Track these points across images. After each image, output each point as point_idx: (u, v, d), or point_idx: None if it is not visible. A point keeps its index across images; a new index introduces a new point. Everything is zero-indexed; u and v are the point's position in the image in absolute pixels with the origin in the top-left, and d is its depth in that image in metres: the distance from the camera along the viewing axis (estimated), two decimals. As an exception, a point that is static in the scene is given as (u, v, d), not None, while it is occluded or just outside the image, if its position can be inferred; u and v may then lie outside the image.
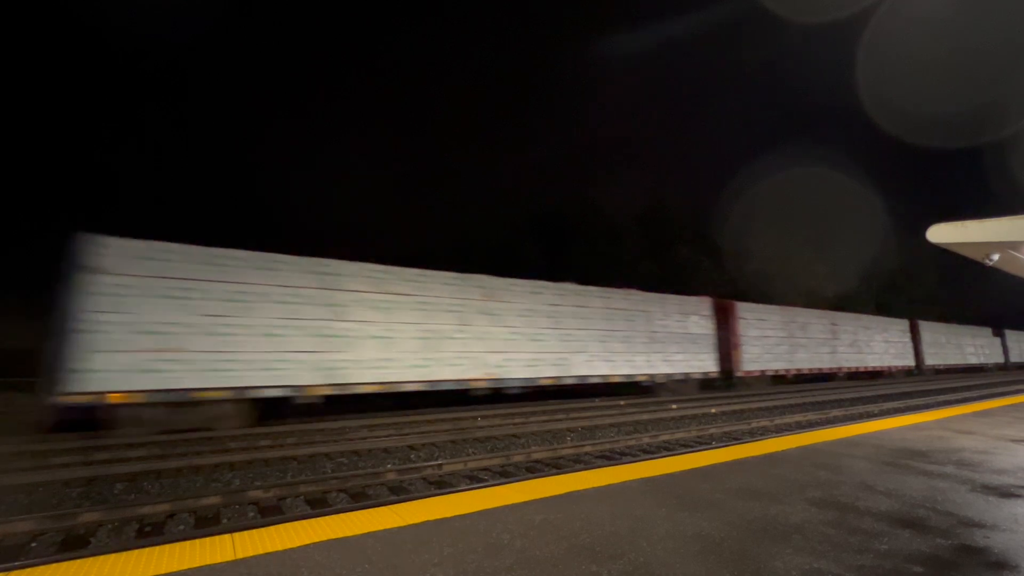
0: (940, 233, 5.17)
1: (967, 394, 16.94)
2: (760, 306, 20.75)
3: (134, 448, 7.92)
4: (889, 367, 26.72)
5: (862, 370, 25.00)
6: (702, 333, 17.88)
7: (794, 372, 21.20)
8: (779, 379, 21.26)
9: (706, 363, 17.72)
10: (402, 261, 12.16)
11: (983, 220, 4.90)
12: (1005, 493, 3.70)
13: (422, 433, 9.22)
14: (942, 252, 5.80)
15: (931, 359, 29.96)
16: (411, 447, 8.29)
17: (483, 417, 11.31)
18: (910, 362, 28.42)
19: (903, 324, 28.91)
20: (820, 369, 22.46)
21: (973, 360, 34.86)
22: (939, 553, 2.61)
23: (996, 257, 5.80)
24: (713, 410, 12.68)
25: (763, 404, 14.00)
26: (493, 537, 2.80)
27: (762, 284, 31.65)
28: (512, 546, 2.67)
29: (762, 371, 19.65)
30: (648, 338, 16.13)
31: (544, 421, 10.67)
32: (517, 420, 10.86)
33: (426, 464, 6.51)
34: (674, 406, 13.37)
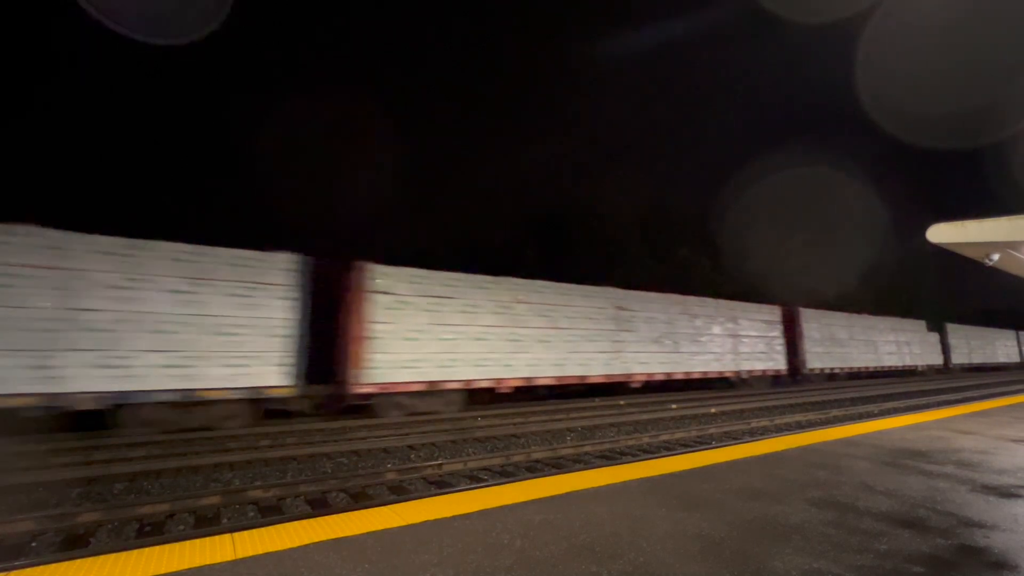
0: (940, 233, 5.18)
1: (966, 394, 16.94)
2: (434, 274, 12.00)
3: (134, 448, 7.92)
4: (737, 372, 18.32)
5: (680, 377, 16.50)
6: (257, 319, 9.76)
7: (517, 382, 12.66)
8: (484, 396, 12.87)
9: (259, 371, 9.67)
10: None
11: (983, 220, 4.91)
12: (1005, 493, 3.70)
13: (422, 433, 9.22)
14: (942, 252, 5.81)
15: (818, 360, 22.14)
16: (411, 447, 8.29)
17: (483, 417, 11.31)
18: (778, 364, 20.05)
19: (769, 312, 20.43)
20: (584, 377, 14.00)
21: (893, 362, 26.71)
22: (939, 553, 2.61)
23: (996, 257, 5.81)
24: (713, 410, 12.68)
25: (763, 404, 14.00)
26: (493, 537, 2.80)
27: (762, 284, 31.65)
28: (512, 546, 2.67)
29: (429, 383, 11.33)
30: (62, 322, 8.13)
31: (544, 421, 10.67)
32: (517, 420, 10.86)
33: (426, 464, 6.51)
34: (674, 406, 13.37)
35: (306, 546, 2.68)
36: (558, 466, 6.86)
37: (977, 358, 35.17)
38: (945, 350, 31.79)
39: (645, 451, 7.91)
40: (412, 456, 7.77)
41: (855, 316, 25.65)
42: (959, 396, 16.10)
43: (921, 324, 30.09)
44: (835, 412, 11.98)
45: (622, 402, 14.36)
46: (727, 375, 18.20)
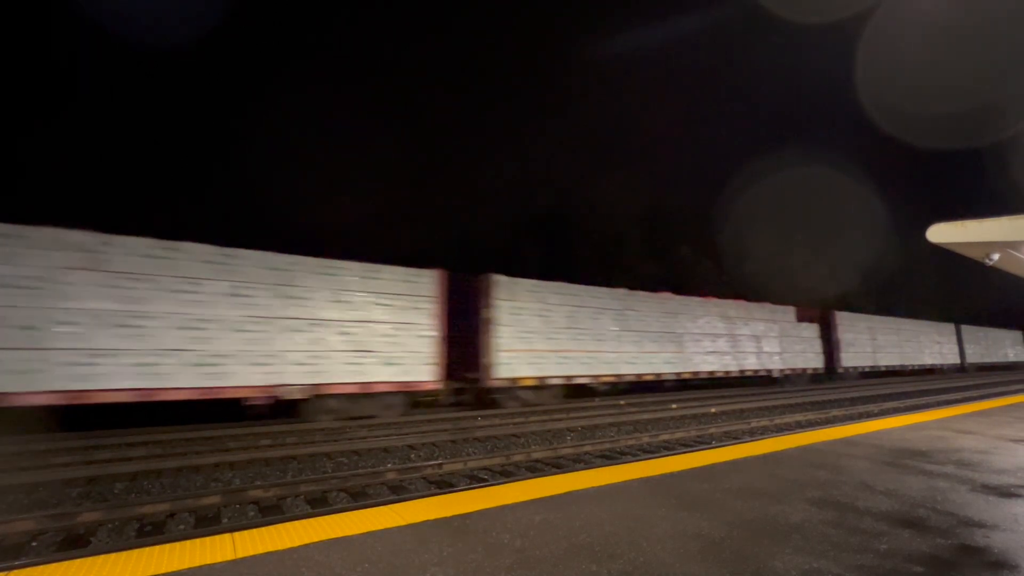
0: (940, 233, 5.17)
1: (967, 394, 16.95)
2: None
3: (134, 448, 7.92)
4: (270, 388, 9.56)
5: (105, 399, 8.13)
6: None
7: None
8: None
9: None
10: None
11: (983, 220, 4.91)
12: (1005, 493, 3.70)
13: (422, 433, 9.22)
14: (942, 251, 5.81)
15: (527, 365, 12.97)
16: (411, 447, 8.29)
17: (483, 417, 11.32)
18: (413, 373, 11.26)
19: (405, 280, 11.60)
20: None
21: (717, 366, 17.52)
22: (939, 553, 2.61)
23: (996, 257, 5.80)
24: (713, 410, 12.69)
25: (763, 404, 14.01)
26: (493, 537, 2.80)
27: (762, 283, 31.68)
28: (512, 545, 2.67)
29: None
30: None
31: (544, 421, 10.67)
32: (517, 420, 10.86)
33: (426, 464, 6.51)
34: (674, 406, 13.38)
35: (306, 545, 2.68)
36: (558, 466, 6.86)
37: (888, 359, 26.25)
38: (831, 348, 23.15)
39: (645, 451, 7.91)
40: (412, 456, 7.77)
41: (637, 295, 16.06)
42: (960, 396, 16.11)
43: (787, 312, 21.28)
44: (835, 412, 11.99)
45: (622, 402, 14.37)
46: (237, 394, 9.31)
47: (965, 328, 33.39)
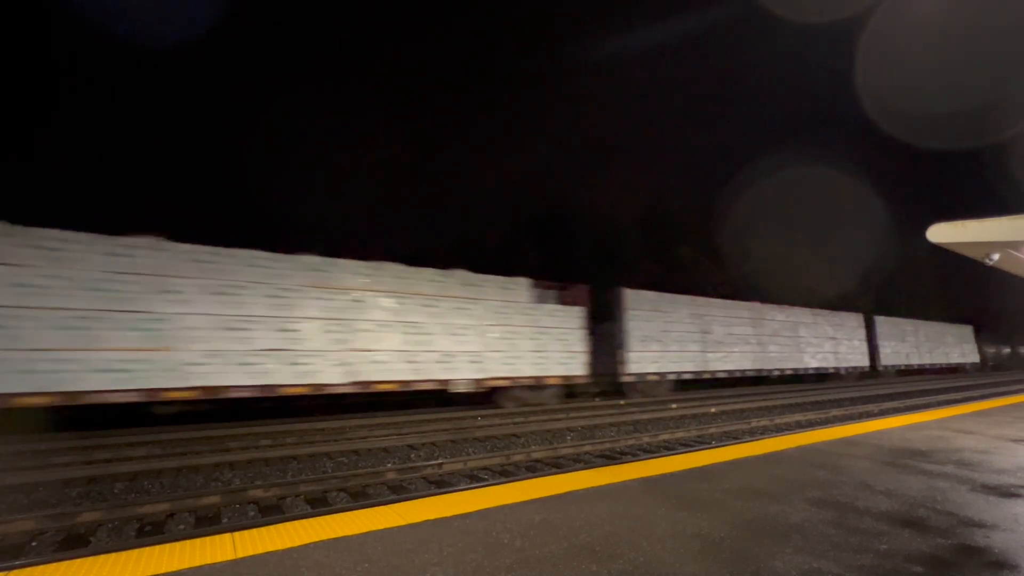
0: (940, 233, 5.17)
1: (967, 393, 16.96)
2: None
3: (134, 448, 7.92)
4: None
5: None
6: None
7: None
8: None
9: None
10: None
11: (983, 220, 4.90)
12: (1005, 493, 3.70)
13: (422, 433, 9.22)
14: (941, 252, 5.81)
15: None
16: (411, 447, 8.29)
17: (483, 417, 11.31)
18: None
19: None
20: None
21: (285, 376, 9.71)
22: (939, 553, 2.61)
23: (996, 257, 5.80)
24: (713, 410, 12.69)
25: (763, 404, 14.01)
26: (493, 536, 2.80)
27: (762, 283, 31.62)
28: (512, 545, 2.67)
29: None
30: None
31: (544, 421, 10.67)
32: (517, 420, 10.86)
33: (426, 464, 6.51)
34: (674, 405, 13.37)
35: (306, 545, 2.68)
36: (558, 465, 6.86)
37: (730, 362, 18.54)
38: (613, 346, 15.53)
39: (645, 450, 7.90)
40: (412, 456, 7.77)
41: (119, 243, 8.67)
42: (960, 396, 16.12)
43: (512, 285, 13.30)
44: (835, 412, 11.99)
45: (622, 402, 14.37)
46: None
47: (881, 320, 26.82)
